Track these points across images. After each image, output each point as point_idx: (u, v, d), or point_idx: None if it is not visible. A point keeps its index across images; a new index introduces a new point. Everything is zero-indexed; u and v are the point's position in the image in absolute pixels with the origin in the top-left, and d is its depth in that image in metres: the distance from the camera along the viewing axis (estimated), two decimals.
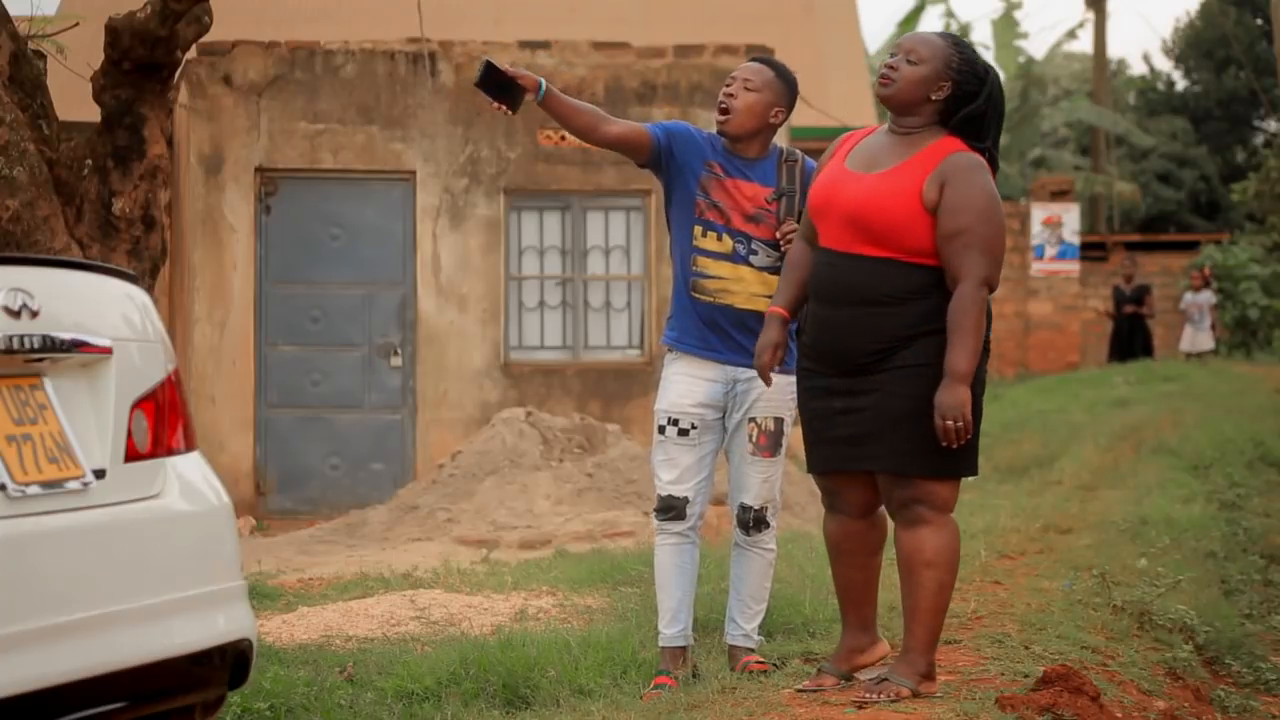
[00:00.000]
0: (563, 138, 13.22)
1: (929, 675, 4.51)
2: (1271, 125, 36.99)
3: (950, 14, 33.24)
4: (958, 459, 4.42)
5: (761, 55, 5.44)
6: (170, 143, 7.51)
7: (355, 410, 13.52)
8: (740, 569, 5.23)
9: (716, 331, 5.11)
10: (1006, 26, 31.65)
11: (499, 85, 4.99)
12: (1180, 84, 39.97)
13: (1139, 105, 39.85)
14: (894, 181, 4.45)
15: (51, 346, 3.28)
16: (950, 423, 4.30)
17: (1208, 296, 22.23)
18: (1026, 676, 4.73)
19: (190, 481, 3.57)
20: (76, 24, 9.02)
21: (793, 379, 4.94)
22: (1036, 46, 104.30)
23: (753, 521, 5.17)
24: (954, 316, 4.36)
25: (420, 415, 13.50)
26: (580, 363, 13.73)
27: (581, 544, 9.59)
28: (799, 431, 4.81)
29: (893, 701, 4.39)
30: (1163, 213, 36.76)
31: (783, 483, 5.34)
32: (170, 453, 3.55)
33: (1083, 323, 23.94)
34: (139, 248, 7.05)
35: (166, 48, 7.02)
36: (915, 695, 4.44)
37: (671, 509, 5.11)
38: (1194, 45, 38.51)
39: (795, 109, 5.30)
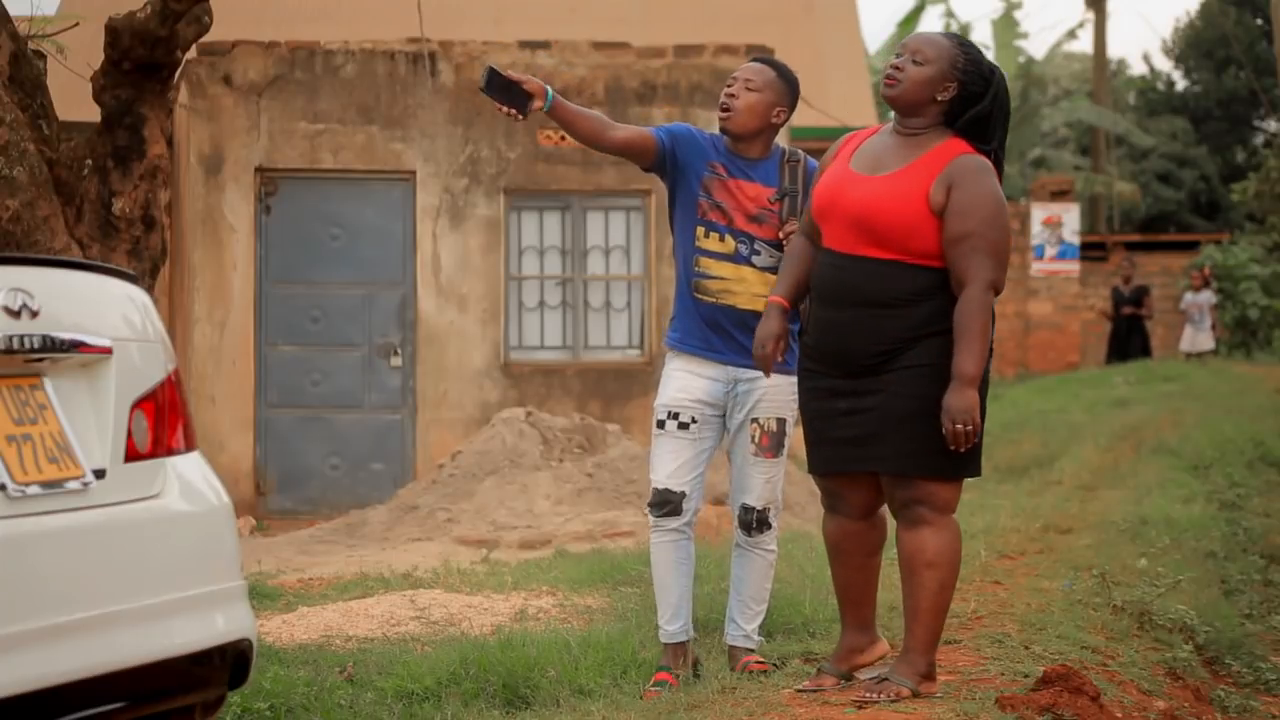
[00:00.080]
0: (562, 138, 13.21)
1: (929, 675, 4.51)
2: (1271, 125, 37.00)
3: (950, 14, 33.23)
4: (961, 460, 4.42)
5: (762, 55, 5.44)
6: (170, 143, 7.51)
7: (355, 410, 13.52)
8: (741, 569, 5.23)
9: (719, 332, 5.11)
10: (1006, 26, 31.64)
11: (505, 90, 4.99)
12: (1180, 84, 39.98)
13: (1139, 105, 39.86)
14: (900, 184, 4.44)
15: (51, 346, 3.28)
16: (959, 426, 4.30)
17: (1208, 296, 22.22)
18: (1026, 676, 4.73)
19: (190, 481, 3.57)
20: (76, 24, 9.02)
21: (794, 379, 4.95)
22: (1036, 46, 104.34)
23: (755, 522, 5.17)
24: (961, 320, 4.36)
25: (420, 415, 13.50)
26: (580, 363, 13.73)
27: (581, 544, 9.59)
28: (800, 432, 4.81)
29: (893, 701, 4.39)
30: (1163, 213, 36.77)
31: (783, 483, 5.34)
32: (170, 453, 3.55)
33: (1083, 323, 23.94)
34: (139, 248, 7.05)
35: (166, 48, 7.01)
36: (915, 695, 4.44)
37: (667, 503, 5.10)
38: (1194, 45, 38.51)
39: (796, 109, 5.30)
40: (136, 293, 3.63)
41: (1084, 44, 43.36)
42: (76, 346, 3.34)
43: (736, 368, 5.11)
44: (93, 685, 3.14)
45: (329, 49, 13.56)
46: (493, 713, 5.08)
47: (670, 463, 5.11)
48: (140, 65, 7.03)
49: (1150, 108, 39.23)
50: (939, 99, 4.50)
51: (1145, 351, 21.68)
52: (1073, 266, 23.69)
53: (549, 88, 5.02)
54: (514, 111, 5.01)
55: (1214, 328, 22.34)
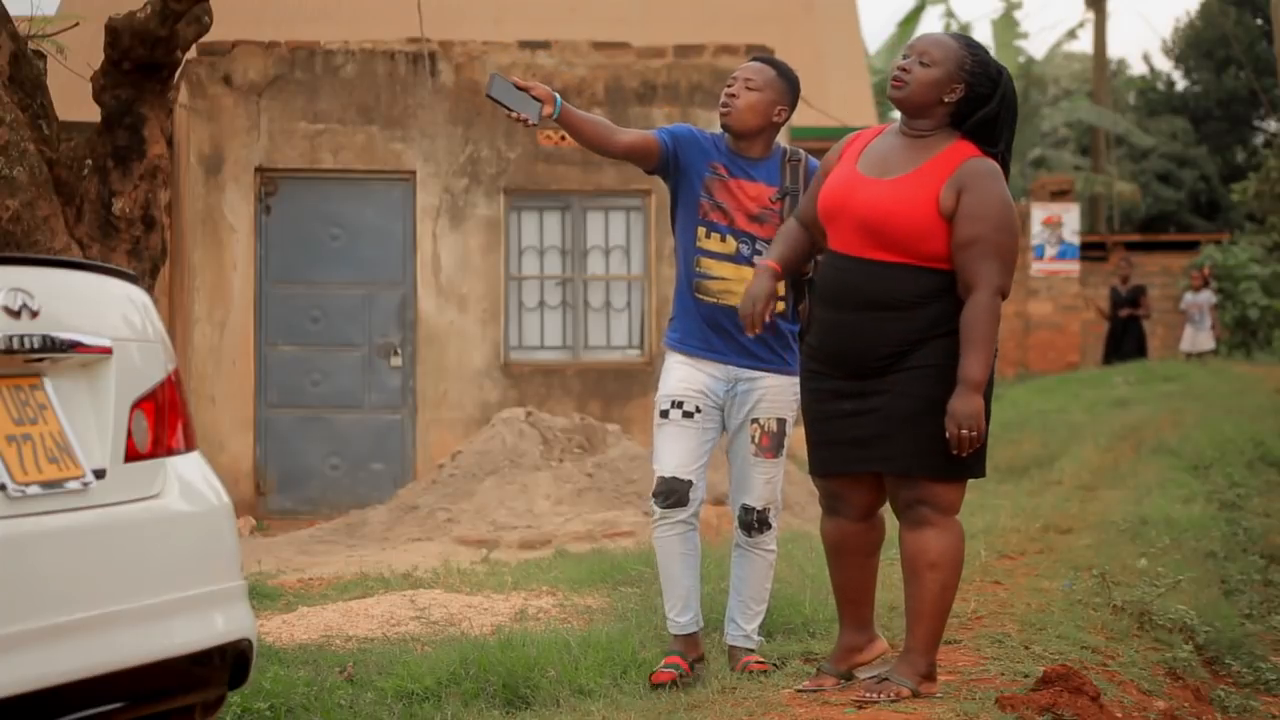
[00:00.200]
0: (562, 138, 13.21)
1: (929, 676, 4.51)
2: (1271, 125, 37.00)
3: (950, 14, 33.20)
4: (966, 461, 4.43)
5: (762, 55, 5.44)
6: (170, 143, 7.51)
7: (355, 410, 13.52)
8: (741, 570, 5.22)
9: (719, 333, 5.11)
10: (1006, 26, 31.63)
11: (512, 96, 4.99)
12: (1180, 84, 39.98)
13: (1139, 105, 39.85)
14: (909, 188, 4.43)
15: (51, 346, 3.28)
16: (965, 431, 4.31)
17: (1208, 296, 22.22)
18: (1026, 676, 4.73)
19: (190, 481, 3.57)
20: (76, 24, 9.01)
21: (794, 380, 4.95)
22: (1036, 46, 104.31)
23: (755, 523, 5.16)
24: (968, 325, 4.36)
25: (420, 415, 13.50)
26: (580, 363, 13.73)
27: (581, 544, 9.59)
28: (800, 432, 4.81)
29: (893, 701, 4.39)
30: (1163, 213, 36.77)
31: (783, 483, 5.34)
32: (170, 453, 3.55)
33: (1083, 323, 23.94)
34: (139, 248, 7.05)
35: (166, 48, 7.01)
36: (915, 695, 4.44)
37: (674, 493, 5.06)
38: (1194, 45, 38.51)
39: (796, 108, 5.31)
40: (136, 293, 3.63)
41: (1084, 44, 43.37)
42: (76, 346, 3.34)
43: (738, 368, 5.11)
44: (93, 685, 3.14)
45: (329, 49, 13.56)
46: (493, 713, 5.07)
47: (677, 452, 5.08)
48: (140, 65, 7.03)
49: (1150, 108, 39.22)
50: (946, 101, 4.49)
51: (1140, 351, 21.68)
52: (1073, 266, 23.68)
53: (557, 95, 5.02)
54: (524, 117, 5.01)
55: (1214, 328, 22.34)
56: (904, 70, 4.51)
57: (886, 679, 4.49)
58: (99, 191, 7.01)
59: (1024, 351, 23.54)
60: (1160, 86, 40.40)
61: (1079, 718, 4.35)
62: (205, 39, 8.08)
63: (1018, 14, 36.63)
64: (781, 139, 6.02)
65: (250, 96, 13.38)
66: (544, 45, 13.80)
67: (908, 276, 4.43)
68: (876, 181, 4.48)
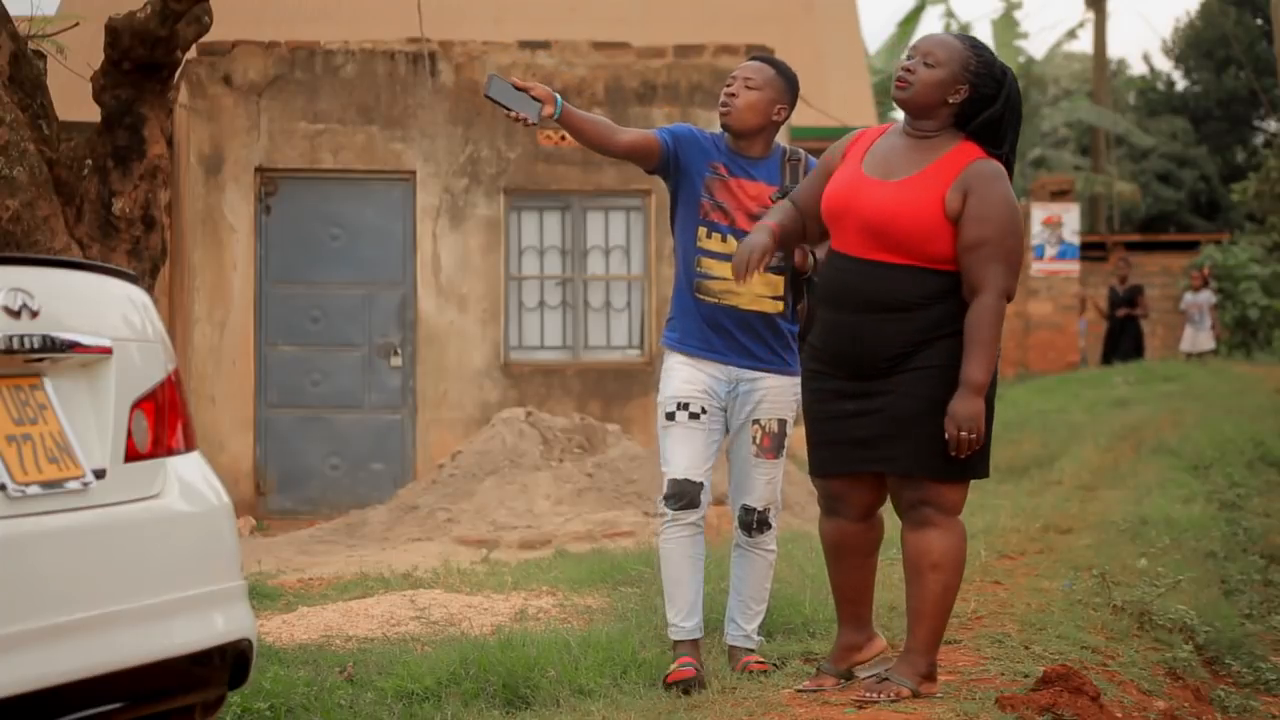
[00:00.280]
0: (562, 138, 13.21)
1: (930, 676, 4.51)
2: (1271, 125, 37.00)
3: (950, 14, 33.21)
4: (969, 462, 4.43)
5: (762, 54, 5.44)
6: (170, 143, 7.51)
7: (355, 410, 13.51)
8: (741, 570, 5.22)
9: (720, 333, 5.10)
10: (1006, 26, 31.64)
11: (511, 96, 4.99)
12: (1180, 84, 39.99)
13: (1139, 105, 39.87)
14: (915, 190, 4.42)
15: (51, 346, 3.28)
16: (964, 433, 4.31)
17: (1208, 296, 22.23)
18: (1026, 676, 4.74)
19: (190, 481, 3.57)
20: (76, 24, 9.01)
21: (795, 380, 4.95)
22: (1036, 46, 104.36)
23: (756, 523, 5.16)
24: (972, 328, 4.36)
25: (420, 415, 13.50)
26: (580, 363, 13.73)
27: (581, 544, 9.59)
28: (800, 432, 4.81)
29: (893, 701, 4.40)
30: (1163, 213, 36.78)
31: (783, 483, 5.34)
32: (170, 453, 3.55)
33: (1081, 323, 23.94)
34: (139, 248, 7.05)
35: (166, 48, 7.01)
36: (915, 695, 4.44)
37: (685, 495, 5.04)
38: (1194, 45, 38.52)
39: (795, 108, 5.31)
40: (136, 293, 3.63)
41: (1084, 44, 43.41)
42: (76, 347, 3.34)
43: (738, 368, 5.11)
44: (92, 685, 3.14)
45: (329, 49, 13.55)
46: (493, 713, 5.07)
47: (686, 453, 5.05)
48: (140, 65, 7.03)
49: (1150, 108, 39.24)
50: (950, 101, 4.48)
51: (1137, 351, 21.69)
52: (1073, 266, 23.68)
53: (558, 95, 5.02)
54: (524, 117, 5.01)
55: (1214, 328, 22.35)
56: (908, 71, 4.50)
57: (887, 679, 4.49)
58: (99, 191, 7.02)
59: (1024, 351, 23.54)
60: (1160, 86, 40.41)
61: (1079, 718, 4.35)
62: (205, 39, 8.08)
63: (1018, 14, 36.64)
64: (781, 139, 6.02)
65: (250, 96, 13.38)
66: (544, 45, 13.80)
67: (912, 278, 4.42)
68: (881, 183, 4.47)
